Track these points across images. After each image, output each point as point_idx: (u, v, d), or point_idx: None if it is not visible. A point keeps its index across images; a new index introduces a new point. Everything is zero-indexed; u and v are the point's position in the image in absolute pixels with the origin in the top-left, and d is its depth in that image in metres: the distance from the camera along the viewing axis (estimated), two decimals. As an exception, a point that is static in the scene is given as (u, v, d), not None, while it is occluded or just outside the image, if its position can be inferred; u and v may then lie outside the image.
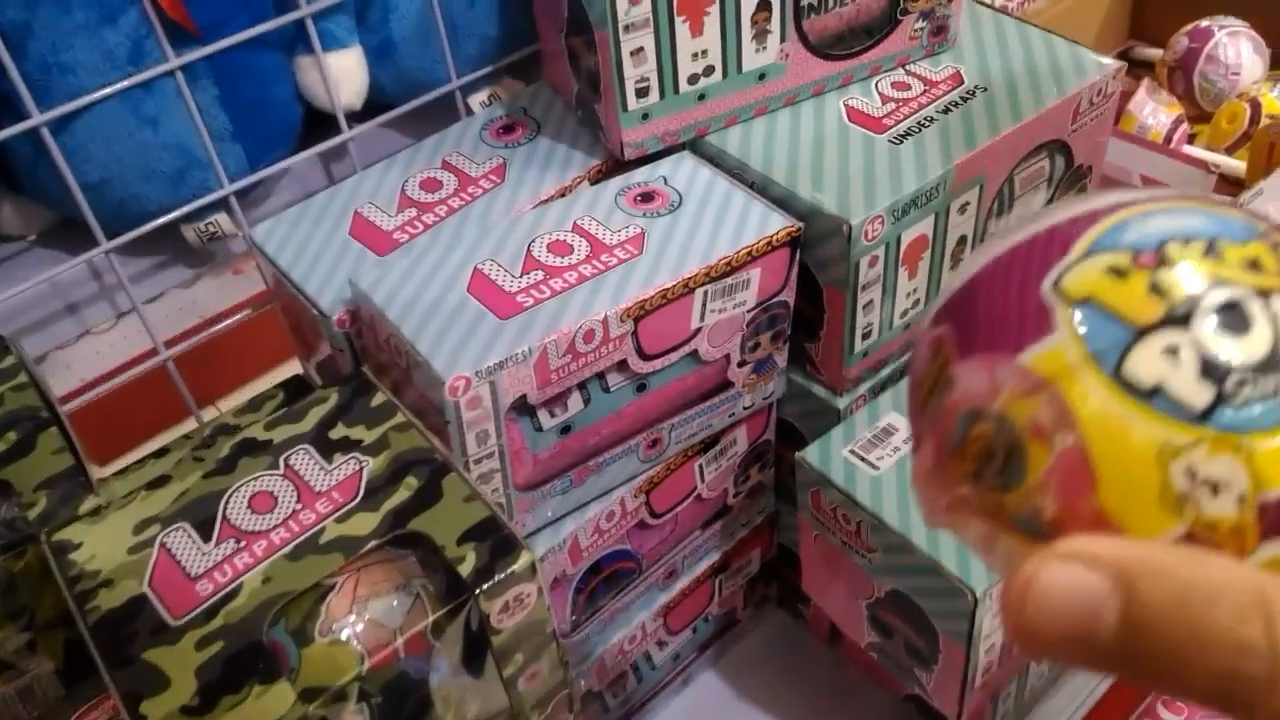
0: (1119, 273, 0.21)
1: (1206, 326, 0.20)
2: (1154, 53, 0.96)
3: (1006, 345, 0.21)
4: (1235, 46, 0.87)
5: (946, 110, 0.54)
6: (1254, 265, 0.21)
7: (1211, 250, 0.21)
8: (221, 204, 0.58)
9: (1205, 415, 0.20)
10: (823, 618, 0.63)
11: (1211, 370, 0.20)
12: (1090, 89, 0.55)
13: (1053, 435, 0.20)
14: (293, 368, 0.58)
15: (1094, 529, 0.20)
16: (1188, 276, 0.20)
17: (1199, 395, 0.20)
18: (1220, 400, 0.20)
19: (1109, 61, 0.56)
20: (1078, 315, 0.21)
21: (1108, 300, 0.21)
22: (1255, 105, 0.83)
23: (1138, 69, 0.61)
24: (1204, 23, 0.88)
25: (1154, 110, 0.81)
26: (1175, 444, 0.20)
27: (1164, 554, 0.19)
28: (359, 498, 0.38)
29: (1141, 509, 0.20)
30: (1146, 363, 0.20)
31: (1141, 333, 0.20)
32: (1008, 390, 0.21)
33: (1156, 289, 0.20)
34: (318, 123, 0.62)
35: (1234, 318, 0.20)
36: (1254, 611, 0.18)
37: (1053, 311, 0.21)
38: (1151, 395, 0.20)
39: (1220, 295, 0.20)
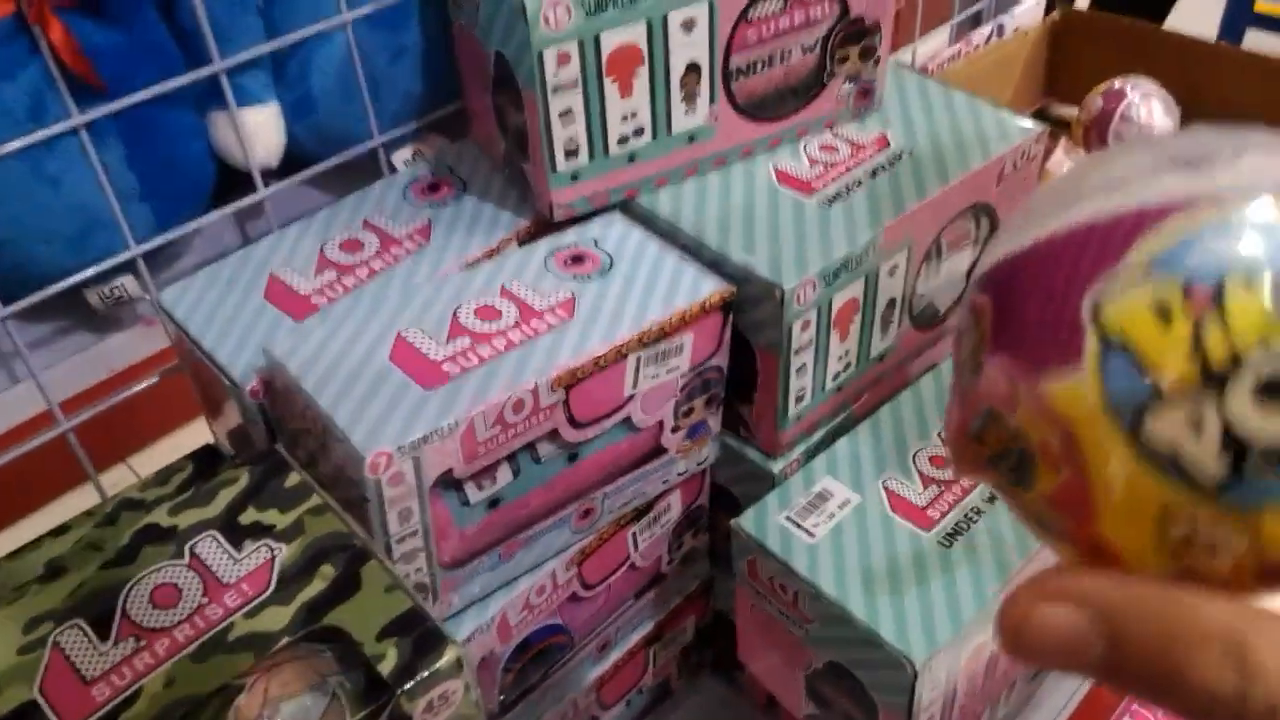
0: (1164, 314, 0.19)
1: (1241, 399, 0.18)
2: (1069, 111, 0.99)
3: (1034, 356, 0.20)
4: (1148, 107, 0.90)
5: (874, 174, 0.54)
6: None
7: (1278, 296, 0.18)
8: (128, 266, 0.55)
9: (1219, 489, 0.19)
10: (759, 685, 0.62)
11: (1234, 445, 0.18)
12: (1014, 152, 0.55)
13: (1061, 465, 0.20)
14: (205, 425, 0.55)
15: (1092, 552, 0.21)
16: (1236, 334, 0.18)
17: (1215, 468, 0.19)
18: (1235, 477, 0.19)
19: (1031, 125, 0.57)
20: (1107, 358, 0.19)
21: (1142, 348, 0.19)
22: (1168, 165, 0.86)
23: (1054, 127, 0.62)
24: (1116, 84, 0.91)
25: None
26: (1178, 507, 0.19)
27: (1152, 596, 0.20)
28: (270, 589, 0.35)
29: (1137, 549, 0.20)
30: (1166, 428, 0.19)
31: (1168, 396, 0.19)
32: (1025, 408, 0.21)
33: (1198, 345, 0.19)
34: (233, 181, 0.60)
35: (1274, 391, 0.18)
36: (1226, 662, 0.19)
37: (1084, 339, 0.20)
38: (1165, 461, 0.19)
39: (1265, 366, 0.18)
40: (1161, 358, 0.19)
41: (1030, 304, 0.21)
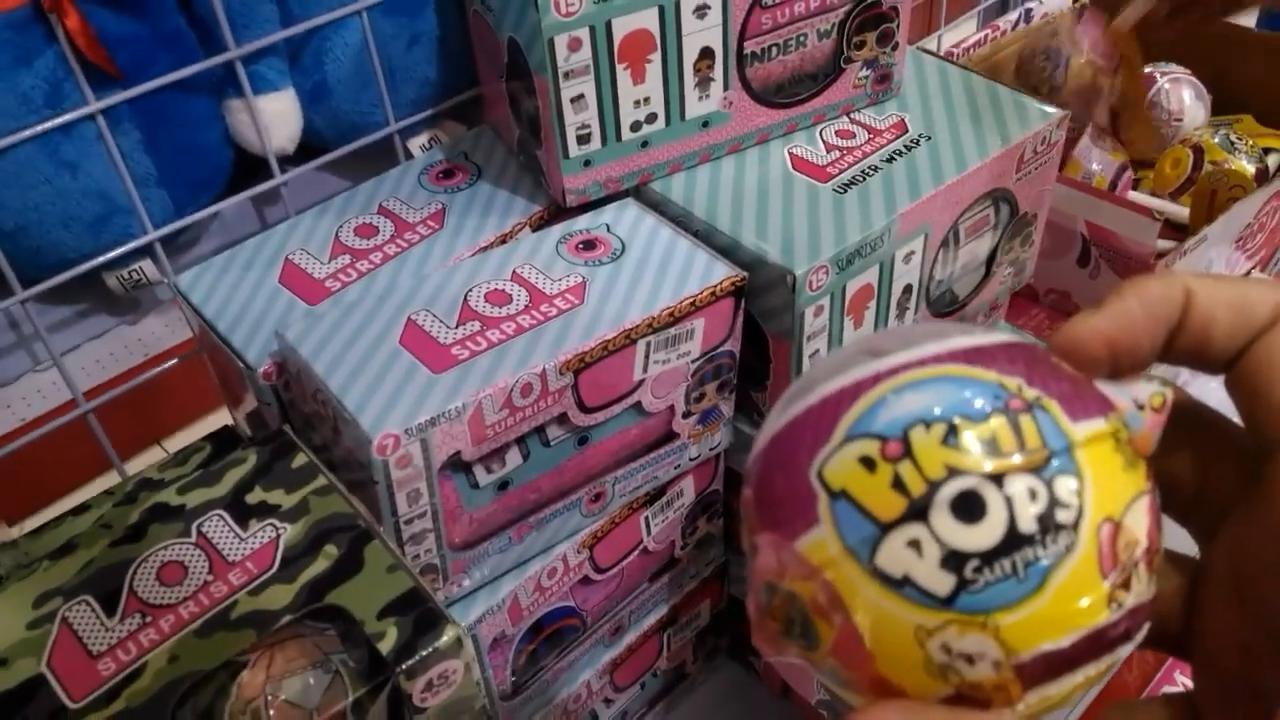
0: (868, 464, 0.22)
1: (943, 519, 0.21)
2: (1097, 98, 0.97)
3: (786, 528, 0.23)
4: (1177, 93, 0.88)
5: (891, 159, 0.53)
6: (990, 446, 0.22)
7: (951, 435, 0.22)
8: (146, 250, 0.55)
9: (949, 600, 0.21)
10: (775, 670, 0.62)
11: (950, 560, 0.21)
12: (1034, 137, 0.55)
13: (831, 614, 0.23)
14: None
15: (879, 692, 0.23)
16: (926, 469, 0.22)
17: (941, 583, 0.21)
18: (961, 587, 0.21)
19: (1052, 110, 0.56)
20: (836, 509, 0.22)
21: (858, 495, 0.22)
22: (1198, 151, 0.84)
23: (1081, 114, 0.61)
24: (1146, 69, 0.89)
25: (1099, 156, 0.82)
26: (928, 626, 0.22)
27: (936, 717, 0.22)
28: (275, 568, 0.36)
29: (912, 677, 0.22)
30: (894, 556, 0.22)
31: (887, 528, 0.22)
32: (790, 572, 0.23)
33: (898, 484, 0.22)
34: (250, 167, 0.60)
35: (968, 507, 0.21)
36: None
37: (816, 502, 0.23)
38: (902, 584, 0.22)
39: (955, 487, 0.22)
40: (874, 498, 0.22)
41: (775, 485, 0.24)
